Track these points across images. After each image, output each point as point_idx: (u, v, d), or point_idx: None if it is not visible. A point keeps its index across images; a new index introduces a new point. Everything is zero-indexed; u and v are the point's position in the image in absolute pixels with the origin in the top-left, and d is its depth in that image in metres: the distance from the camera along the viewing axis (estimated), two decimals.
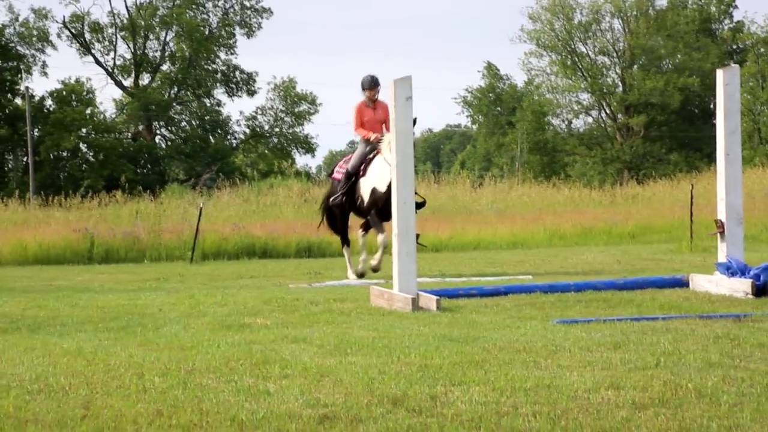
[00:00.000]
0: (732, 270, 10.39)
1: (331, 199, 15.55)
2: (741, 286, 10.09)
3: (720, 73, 10.81)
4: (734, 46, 67.17)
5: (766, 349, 6.93)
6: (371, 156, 14.78)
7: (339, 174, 15.44)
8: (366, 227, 15.43)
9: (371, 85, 14.96)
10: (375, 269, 14.75)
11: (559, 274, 14.61)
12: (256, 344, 7.53)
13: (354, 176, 14.99)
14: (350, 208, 15.33)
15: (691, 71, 62.48)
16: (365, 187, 14.76)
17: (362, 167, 14.89)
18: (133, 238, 23.89)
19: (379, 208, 14.33)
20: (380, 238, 14.50)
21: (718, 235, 10.79)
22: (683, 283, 11.01)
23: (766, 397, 5.43)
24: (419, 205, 14.79)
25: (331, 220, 15.97)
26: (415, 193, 14.83)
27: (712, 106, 62.17)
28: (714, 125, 11.00)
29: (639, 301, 9.81)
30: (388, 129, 14.13)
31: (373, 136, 14.73)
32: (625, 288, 10.77)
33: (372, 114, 14.94)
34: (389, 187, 13.76)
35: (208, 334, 8.31)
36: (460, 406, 5.31)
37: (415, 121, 14.37)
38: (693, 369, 6.17)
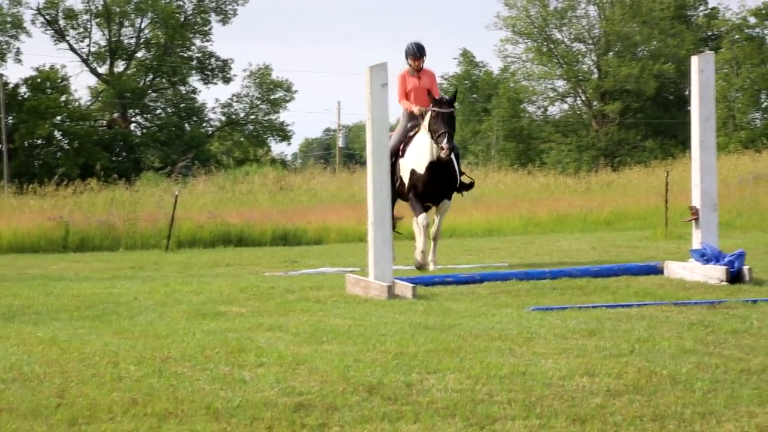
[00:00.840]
0: (706, 257, 10.43)
1: None
2: (715, 273, 10.14)
3: (695, 60, 10.84)
4: (709, 33, 67.29)
5: (739, 335, 6.97)
6: (412, 134, 13.66)
7: None
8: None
9: (416, 53, 13.64)
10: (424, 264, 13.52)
11: (535, 262, 14.63)
12: (232, 332, 7.51)
13: (394, 156, 13.37)
14: (392, 191, 13.41)
15: (667, 58, 62.59)
16: (404, 169, 13.58)
17: (402, 146, 13.70)
18: (108, 227, 23.82)
19: (419, 192, 13.37)
20: (432, 230, 13.64)
21: (693, 221, 10.83)
22: (658, 270, 11.05)
23: (740, 383, 5.46)
24: (468, 186, 14.24)
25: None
26: (463, 173, 14.48)
27: (687, 92, 62.15)
28: (689, 112, 11.00)
29: (614, 289, 9.85)
30: (436, 94, 13.31)
31: (416, 109, 13.47)
32: (600, 275, 10.80)
33: (417, 82, 13.63)
34: (428, 168, 13.22)
35: (183, 323, 8.29)
36: (435, 394, 5.32)
37: (455, 94, 14.08)
38: (667, 356, 6.19)
